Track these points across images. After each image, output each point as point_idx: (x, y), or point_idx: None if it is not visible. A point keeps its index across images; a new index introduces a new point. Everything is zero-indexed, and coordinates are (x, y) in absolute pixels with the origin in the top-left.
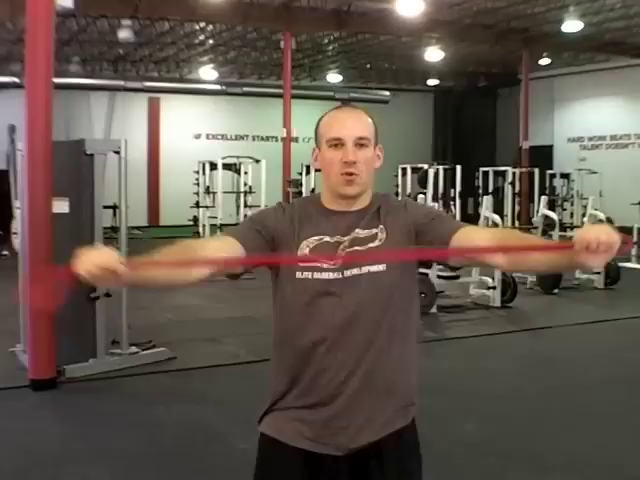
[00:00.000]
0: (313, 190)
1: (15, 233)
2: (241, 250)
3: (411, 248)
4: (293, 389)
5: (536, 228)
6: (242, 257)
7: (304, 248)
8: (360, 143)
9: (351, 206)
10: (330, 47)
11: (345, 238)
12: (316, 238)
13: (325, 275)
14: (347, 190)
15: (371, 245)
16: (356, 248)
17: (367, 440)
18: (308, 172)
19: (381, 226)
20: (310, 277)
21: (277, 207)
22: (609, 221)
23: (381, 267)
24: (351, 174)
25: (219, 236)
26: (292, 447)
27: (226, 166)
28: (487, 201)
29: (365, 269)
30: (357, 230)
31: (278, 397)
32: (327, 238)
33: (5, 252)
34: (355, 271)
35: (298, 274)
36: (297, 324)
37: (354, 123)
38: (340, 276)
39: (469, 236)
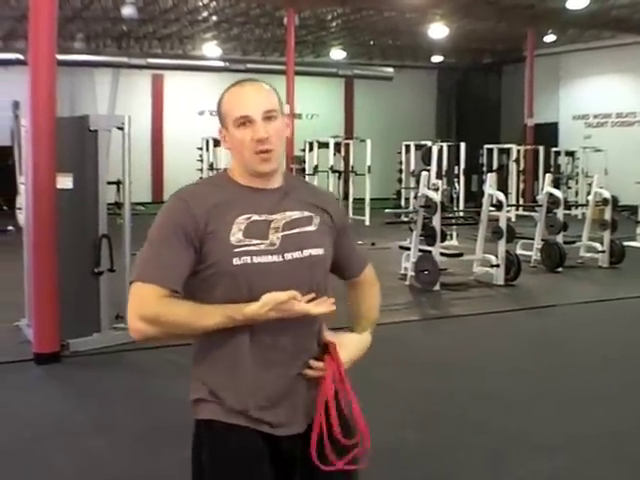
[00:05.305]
0: (316, 167)
1: (20, 208)
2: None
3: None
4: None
5: (540, 206)
6: None
7: (237, 232)
8: (268, 116)
9: (267, 183)
10: (334, 23)
11: (273, 216)
12: (244, 217)
13: (265, 258)
14: (264, 167)
15: (308, 229)
16: (296, 230)
17: None
18: (311, 149)
19: (313, 212)
20: (249, 261)
21: (180, 202)
22: (614, 200)
23: (320, 250)
24: (266, 151)
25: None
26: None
27: None
28: (491, 178)
29: (306, 252)
30: (287, 212)
31: None
32: (255, 216)
33: (10, 227)
34: (296, 254)
35: (236, 260)
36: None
37: (258, 97)
38: (281, 259)
39: (359, 281)
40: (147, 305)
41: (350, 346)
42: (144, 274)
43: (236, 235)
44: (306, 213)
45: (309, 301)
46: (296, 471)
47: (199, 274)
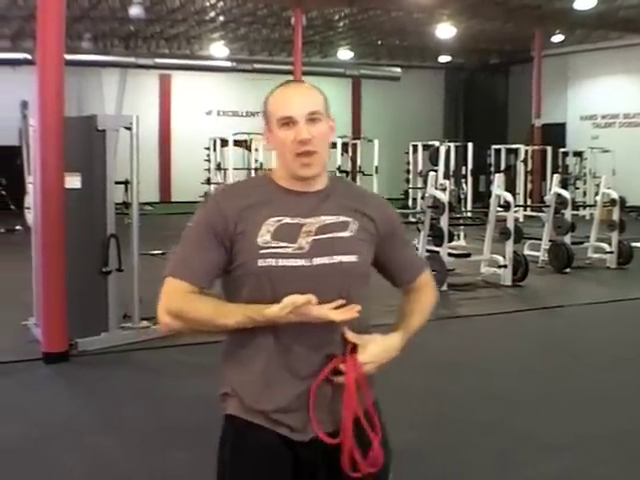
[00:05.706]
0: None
1: (28, 208)
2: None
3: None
4: None
5: (548, 207)
6: None
7: (265, 234)
8: (312, 118)
9: (309, 187)
10: (341, 23)
11: (306, 220)
12: (275, 219)
13: (292, 262)
14: (305, 172)
15: (342, 234)
16: (329, 235)
17: None
18: None
19: (352, 217)
20: (274, 264)
21: (214, 202)
22: (622, 200)
23: (353, 257)
24: (309, 153)
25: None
26: None
27: (237, 143)
28: (499, 179)
29: (337, 258)
30: (322, 217)
31: None
32: (287, 219)
33: (18, 227)
34: (326, 260)
35: (260, 262)
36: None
37: (303, 98)
38: (308, 264)
39: (412, 288)
40: (173, 300)
41: (372, 347)
42: (175, 270)
43: (264, 237)
44: (342, 218)
45: (336, 308)
46: (318, 478)
47: (231, 273)
